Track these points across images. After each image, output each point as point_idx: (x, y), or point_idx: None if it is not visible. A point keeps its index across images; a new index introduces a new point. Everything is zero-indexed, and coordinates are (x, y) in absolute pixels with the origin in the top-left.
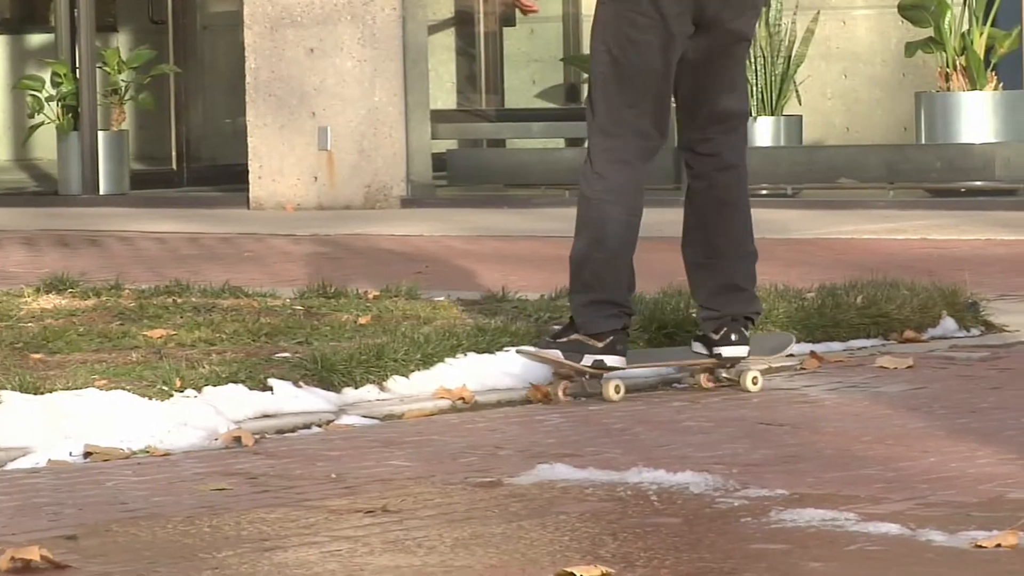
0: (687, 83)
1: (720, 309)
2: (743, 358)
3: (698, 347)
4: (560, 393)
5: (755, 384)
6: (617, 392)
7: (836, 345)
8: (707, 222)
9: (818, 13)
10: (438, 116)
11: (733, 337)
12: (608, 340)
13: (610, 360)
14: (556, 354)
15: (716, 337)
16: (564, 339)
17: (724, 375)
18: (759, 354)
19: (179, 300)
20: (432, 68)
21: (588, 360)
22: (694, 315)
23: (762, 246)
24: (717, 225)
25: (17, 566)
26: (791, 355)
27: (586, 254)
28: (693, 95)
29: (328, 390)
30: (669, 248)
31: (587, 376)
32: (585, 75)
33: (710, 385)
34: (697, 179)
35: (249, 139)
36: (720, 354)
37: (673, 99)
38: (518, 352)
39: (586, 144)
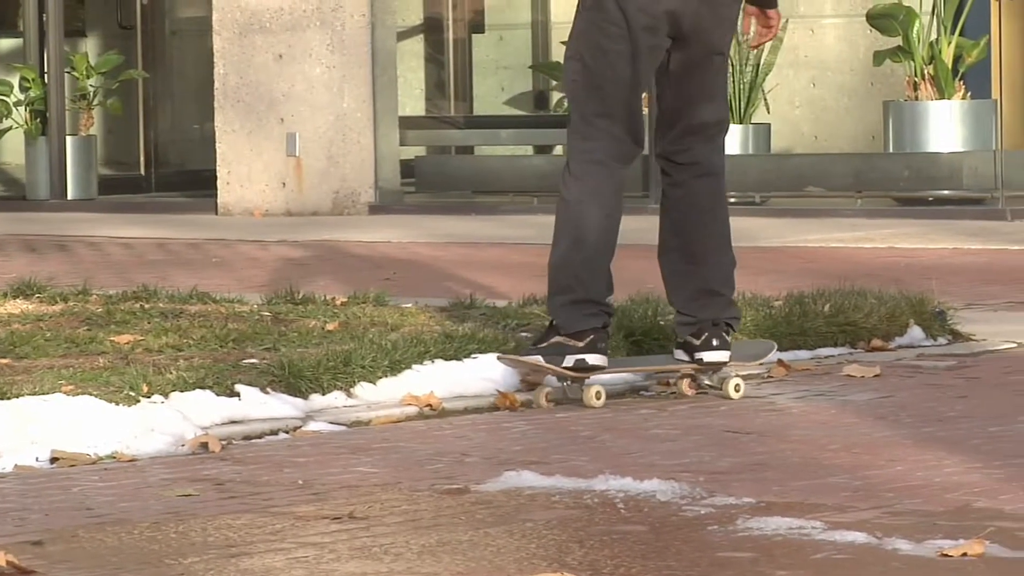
0: (668, 94)
1: (696, 314)
2: (724, 363)
3: (680, 354)
4: (543, 399)
5: (737, 391)
6: (598, 398)
7: (803, 353)
8: (684, 229)
9: (787, 21)
10: (407, 123)
11: (714, 342)
12: (589, 339)
13: (591, 359)
14: (536, 359)
15: (697, 343)
16: (544, 343)
17: (707, 382)
18: (741, 360)
19: (147, 306)
20: (401, 75)
21: (569, 361)
22: (662, 323)
23: None
24: (694, 232)
25: None
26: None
27: (565, 256)
28: (673, 105)
29: (295, 396)
30: (636, 255)
31: (568, 381)
32: (554, 82)
33: (692, 392)
34: (674, 187)
35: (217, 145)
36: (701, 359)
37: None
38: (499, 359)
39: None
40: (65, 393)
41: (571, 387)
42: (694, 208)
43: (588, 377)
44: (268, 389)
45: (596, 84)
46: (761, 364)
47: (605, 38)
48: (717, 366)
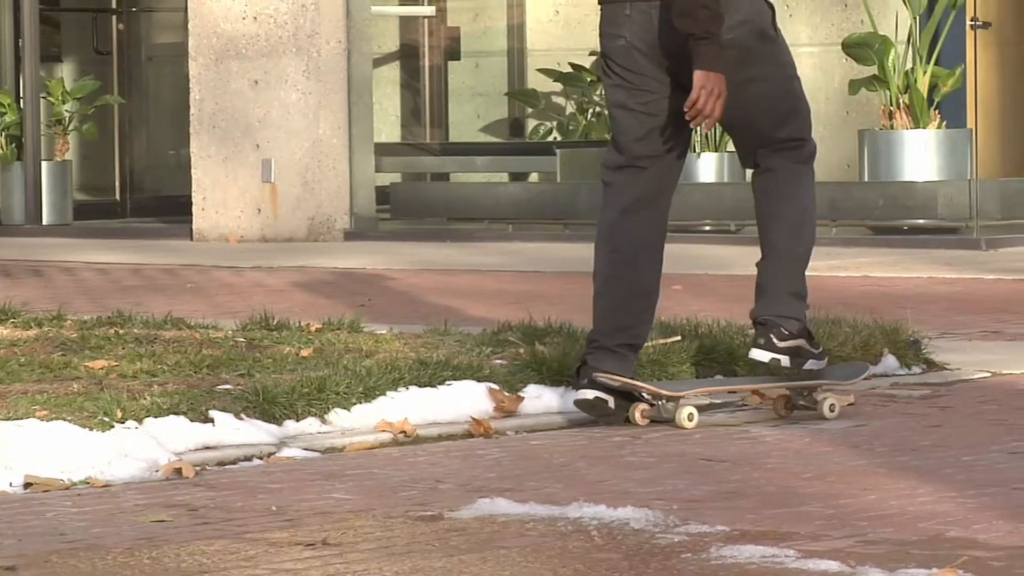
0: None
1: (752, 313)
2: (763, 363)
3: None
4: (638, 416)
5: (832, 411)
6: (691, 420)
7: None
8: (757, 218)
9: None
10: (382, 149)
11: (760, 341)
12: (578, 374)
13: (578, 394)
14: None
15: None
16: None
17: (801, 402)
18: (835, 380)
19: (121, 331)
20: (377, 101)
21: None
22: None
23: (705, 282)
24: (761, 222)
25: None
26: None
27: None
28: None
29: (269, 422)
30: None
31: (663, 401)
32: (529, 109)
33: (785, 413)
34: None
35: (193, 170)
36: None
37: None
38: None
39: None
40: (39, 418)
41: (665, 407)
42: (761, 197)
43: (683, 397)
44: (242, 415)
45: (609, 112)
46: (852, 384)
47: (604, 74)
48: (770, 368)
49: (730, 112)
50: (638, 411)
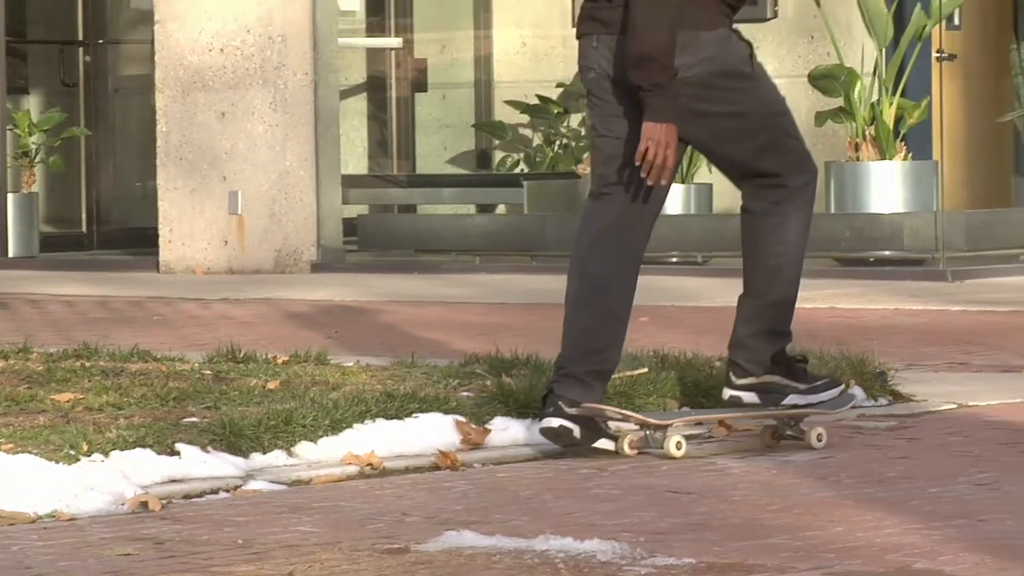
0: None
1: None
2: (725, 400)
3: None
4: (626, 446)
5: (820, 441)
6: (679, 448)
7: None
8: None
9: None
10: (349, 181)
11: (728, 377)
12: (544, 403)
13: (543, 423)
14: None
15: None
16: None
17: (789, 432)
18: (826, 409)
19: (87, 364)
20: (344, 133)
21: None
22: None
23: (672, 314)
24: (743, 259)
25: None
26: (795, 410)
27: None
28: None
29: (236, 455)
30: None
31: (651, 430)
32: (496, 141)
33: (772, 443)
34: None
35: (159, 203)
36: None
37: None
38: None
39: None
40: (5, 451)
41: (653, 436)
42: (741, 236)
43: (671, 426)
44: (208, 448)
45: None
46: (836, 414)
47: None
48: (751, 407)
49: (704, 144)
50: (626, 440)
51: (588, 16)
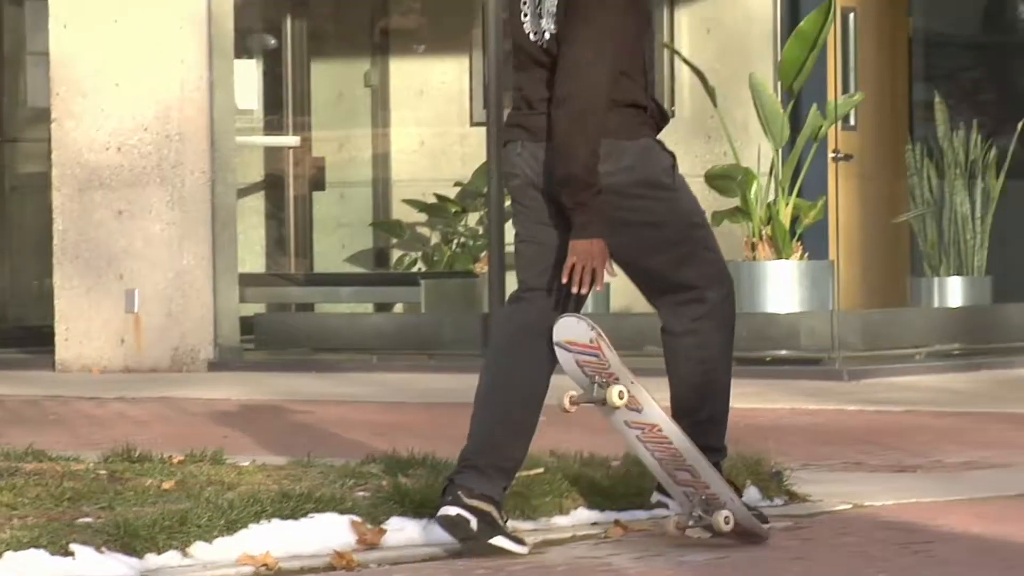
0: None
1: None
2: (652, 503)
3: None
4: (567, 402)
5: (727, 524)
6: (621, 398)
7: (641, 513)
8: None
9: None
10: (247, 279)
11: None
12: (444, 492)
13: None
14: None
15: None
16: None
17: (699, 514)
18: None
19: None
20: (241, 231)
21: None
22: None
23: (568, 414)
24: (670, 378)
25: None
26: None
27: None
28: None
29: (131, 556)
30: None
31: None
32: (395, 240)
33: (677, 532)
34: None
35: (56, 301)
36: None
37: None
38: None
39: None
40: None
41: (596, 390)
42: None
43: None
44: (103, 548)
45: None
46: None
47: None
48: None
49: (624, 254)
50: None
51: (514, 123)
